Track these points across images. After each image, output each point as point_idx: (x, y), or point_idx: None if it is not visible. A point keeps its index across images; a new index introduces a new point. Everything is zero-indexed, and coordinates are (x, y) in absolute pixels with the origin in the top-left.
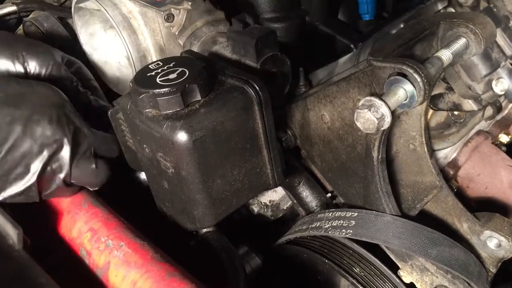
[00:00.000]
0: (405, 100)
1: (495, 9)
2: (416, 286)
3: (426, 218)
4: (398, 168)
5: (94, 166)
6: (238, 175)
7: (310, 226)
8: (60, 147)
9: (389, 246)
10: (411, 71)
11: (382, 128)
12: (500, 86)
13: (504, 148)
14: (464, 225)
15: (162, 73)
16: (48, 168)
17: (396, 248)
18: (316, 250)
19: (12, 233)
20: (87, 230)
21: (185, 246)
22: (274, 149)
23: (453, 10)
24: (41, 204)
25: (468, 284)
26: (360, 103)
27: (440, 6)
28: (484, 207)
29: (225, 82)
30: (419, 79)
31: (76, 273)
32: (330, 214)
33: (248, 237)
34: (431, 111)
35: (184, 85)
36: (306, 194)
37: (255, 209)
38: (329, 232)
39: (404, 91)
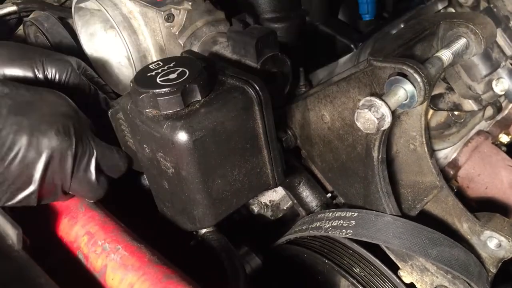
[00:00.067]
0: (405, 100)
1: (495, 9)
2: (416, 286)
3: (426, 218)
4: (398, 168)
5: (94, 180)
6: (238, 175)
7: (310, 226)
8: (63, 159)
9: (389, 246)
10: (411, 71)
11: (383, 128)
12: (500, 86)
13: (504, 148)
14: (464, 225)
15: (162, 73)
16: (50, 178)
17: (396, 248)
18: (316, 250)
19: (12, 233)
20: (84, 233)
21: (185, 246)
22: (274, 149)
23: (453, 10)
24: (41, 206)
25: (468, 284)
26: (361, 103)
27: (440, 6)
28: (484, 207)
29: (225, 82)
30: (419, 79)
31: (73, 276)
32: (330, 214)
33: (248, 237)
34: (431, 111)
35: (185, 85)
36: (306, 194)
37: (255, 209)
38: (329, 232)
39: (404, 91)
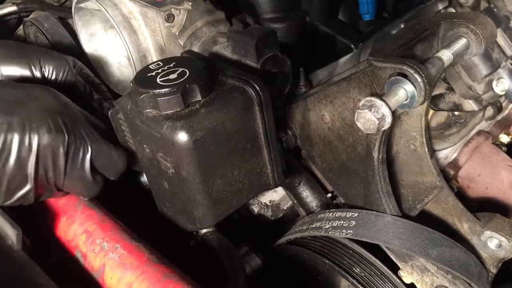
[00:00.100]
0: (406, 100)
1: (495, 9)
2: (417, 286)
3: (426, 219)
4: (399, 169)
5: (88, 177)
6: (239, 175)
7: (310, 226)
8: (55, 156)
9: (389, 246)
10: (411, 71)
11: (383, 129)
12: (500, 86)
13: (504, 148)
14: (464, 225)
15: (163, 73)
16: (43, 176)
17: (396, 249)
18: (317, 250)
19: (11, 233)
20: (82, 232)
21: (185, 246)
22: (275, 149)
23: (454, 10)
24: (38, 204)
25: (469, 284)
26: (361, 103)
27: (440, 6)
28: (485, 208)
29: (226, 82)
30: (419, 79)
31: (72, 275)
32: (330, 215)
33: (248, 237)
34: (431, 111)
35: (185, 85)
36: (307, 194)
37: (255, 209)
38: (330, 232)
39: (404, 91)
